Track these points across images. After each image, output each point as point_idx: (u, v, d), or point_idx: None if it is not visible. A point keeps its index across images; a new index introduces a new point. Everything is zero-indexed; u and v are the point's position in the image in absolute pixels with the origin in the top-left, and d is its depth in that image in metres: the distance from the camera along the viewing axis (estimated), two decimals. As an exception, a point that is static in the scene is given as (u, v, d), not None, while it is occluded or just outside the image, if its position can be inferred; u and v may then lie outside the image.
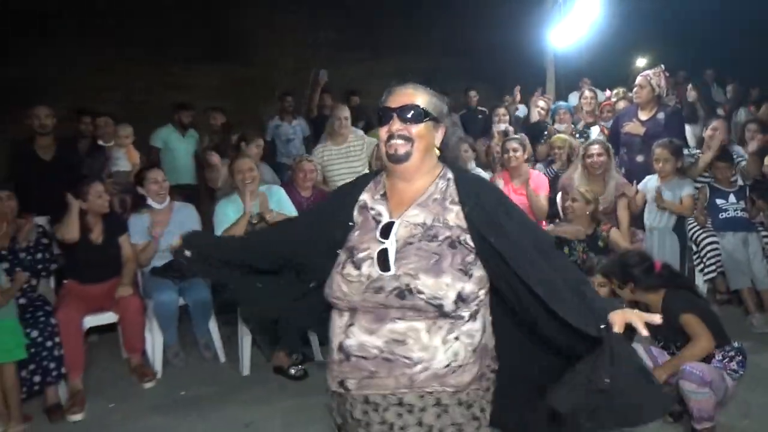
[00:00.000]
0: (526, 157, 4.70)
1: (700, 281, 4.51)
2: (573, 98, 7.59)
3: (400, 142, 1.58)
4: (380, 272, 1.50)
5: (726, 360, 2.96)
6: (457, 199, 1.59)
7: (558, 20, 7.65)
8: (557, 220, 4.57)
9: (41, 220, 4.09)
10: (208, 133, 6.26)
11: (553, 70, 8.25)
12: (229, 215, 3.90)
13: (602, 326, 1.42)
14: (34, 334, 3.47)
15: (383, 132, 1.61)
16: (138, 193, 4.26)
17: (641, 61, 10.72)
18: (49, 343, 3.51)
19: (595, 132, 5.88)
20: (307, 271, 1.74)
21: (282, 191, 4.16)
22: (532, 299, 1.49)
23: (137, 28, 8.54)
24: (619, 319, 1.43)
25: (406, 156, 1.58)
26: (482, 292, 1.57)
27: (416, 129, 1.59)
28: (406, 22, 10.09)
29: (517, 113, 7.20)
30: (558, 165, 5.11)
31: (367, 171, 4.38)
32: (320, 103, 7.05)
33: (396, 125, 1.58)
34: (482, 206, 1.56)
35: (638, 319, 1.43)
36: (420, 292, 1.47)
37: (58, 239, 3.88)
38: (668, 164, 4.37)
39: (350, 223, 1.64)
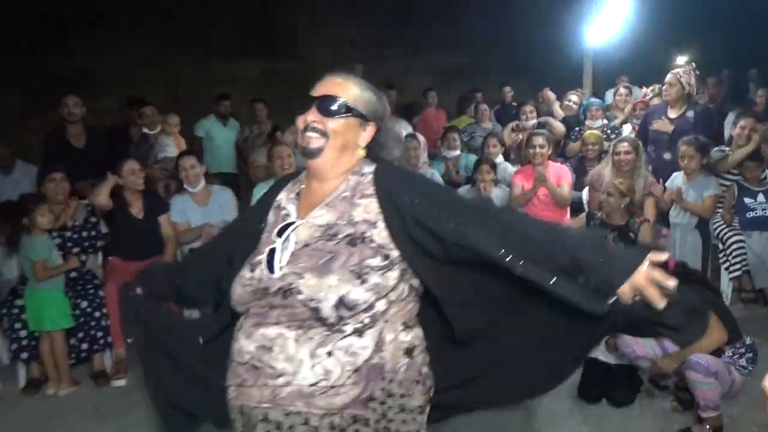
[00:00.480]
0: (550, 152, 4.78)
1: (726, 279, 4.51)
2: (610, 95, 7.57)
3: (313, 135, 1.44)
4: (267, 272, 1.39)
5: (736, 356, 3.04)
6: (369, 191, 1.44)
7: (595, 16, 7.62)
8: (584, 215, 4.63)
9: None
10: (252, 123, 6.55)
11: (591, 66, 8.22)
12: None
13: (609, 301, 1.26)
14: (84, 304, 3.78)
15: (300, 121, 1.46)
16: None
17: (681, 59, 10.53)
18: (97, 314, 3.81)
19: (627, 129, 5.90)
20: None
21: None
22: (497, 278, 1.36)
23: (183, 25, 8.90)
24: (628, 290, 1.24)
25: (318, 151, 1.44)
26: (380, 304, 1.37)
27: (333, 124, 1.43)
28: (444, 17, 10.18)
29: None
30: (590, 161, 5.16)
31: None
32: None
33: (311, 116, 1.44)
34: (410, 192, 1.40)
35: (651, 286, 1.22)
36: (299, 292, 1.33)
37: (98, 217, 4.12)
38: (693, 161, 4.39)
39: (261, 225, 1.51)
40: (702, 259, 4.37)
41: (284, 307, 1.35)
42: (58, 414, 3.49)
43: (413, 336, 1.45)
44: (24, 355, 3.71)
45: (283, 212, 1.50)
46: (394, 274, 1.39)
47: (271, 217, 1.52)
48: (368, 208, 1.42)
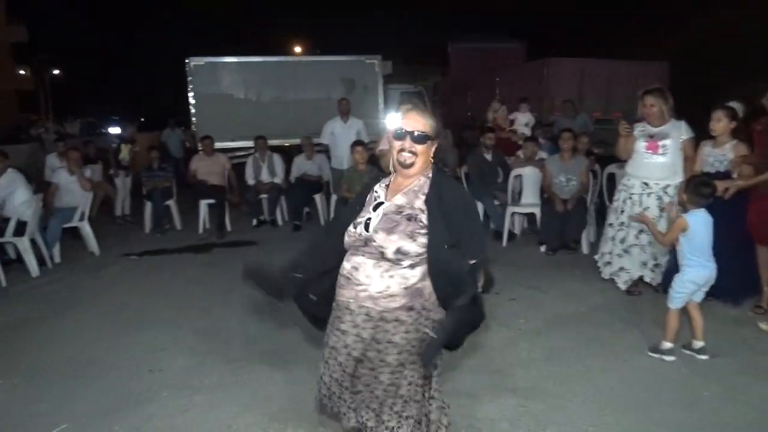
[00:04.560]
0: None
1: None
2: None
3: (408, 155, 2.32)
4: (364, 231, 2.28)
5: None
6: (426, 189, 2.33)
7: None
8: None
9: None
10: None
11: None
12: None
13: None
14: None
15: (397, 144, 2.34)
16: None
17: None
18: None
19: None
20: None
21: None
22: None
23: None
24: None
25: (411, 165, 2.33)
26: (424, 253, 2.26)
27: (420, 147, 2.33)
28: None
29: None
30: None
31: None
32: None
33: (407, 143, 2.32)
34: (440, 197, 2.28)
35: None
36: (374, 242, 2.26)
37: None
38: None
39: (365, 201, 2.40)
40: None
41: (367, 248, 2.28)
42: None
43: None
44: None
45: (375, 194, 2.41)
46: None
47: (368, 198, 2.42)
48: (422, 202, 2.30)
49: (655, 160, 4.93)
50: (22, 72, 33.21)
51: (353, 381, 2.36)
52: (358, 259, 2.29)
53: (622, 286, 5.18)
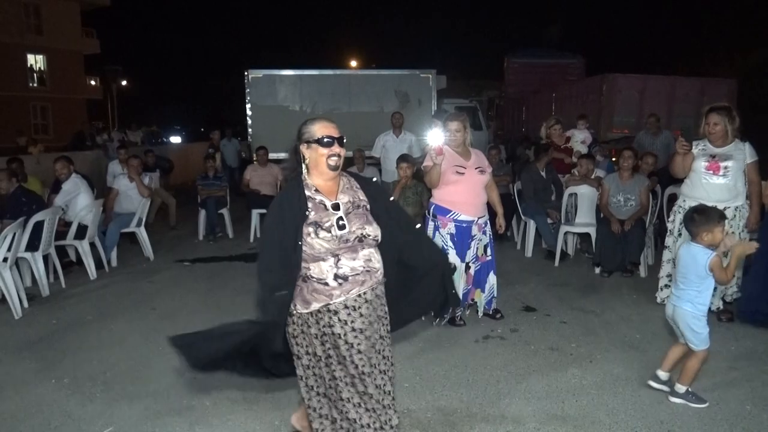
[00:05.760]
0: None
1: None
2: None
3: (337, 158, 2.51)
4: (339, 231, 2.43)
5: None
6: (358, 185, 2.63)
7: None
8: None
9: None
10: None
11: None
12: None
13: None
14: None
15: (326, 151, 2.49)
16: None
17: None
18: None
19: None
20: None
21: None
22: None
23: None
24: None
25: (338, 167, 2.54)
26: None
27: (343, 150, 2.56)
28: None
29: None
30: None
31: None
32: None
33: (337, 148, 2.51)
34: (372, 191, 2.65)
35: None
36: (368, 235, 2.48)
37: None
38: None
39: (306, 213, 2.45)
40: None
41: (363, 242, 2.48)
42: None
43: None
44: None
45: (312, 202, 2.49)
46: None
47: (310, 206, 2.48)
48: (362, 194, 2.63)
49: (716, 182, 4.68)
50: (92, 82, 34.96)
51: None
52: (365, 252, 2.49)
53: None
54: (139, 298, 5.87)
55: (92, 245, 6.75)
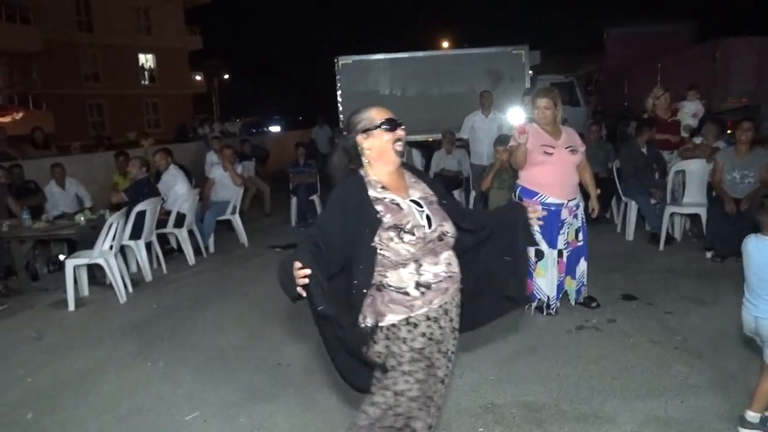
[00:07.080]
0: None
1: None
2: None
3: (402, 143, 2.23)
4: (427, 230, 2.13)
5: None
6: (417, 177, 2.33)
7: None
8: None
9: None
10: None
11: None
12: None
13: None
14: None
15: (391, 136, 2.20)
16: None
17: None
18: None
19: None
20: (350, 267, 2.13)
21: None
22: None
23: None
24: None
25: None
26: None
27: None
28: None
29: None
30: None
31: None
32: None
33: (400, 132, 2.23)
34: (430, 182, 2.34)
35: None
36: (447, 233, 2.19)
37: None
38: None
39: (379, 216, 2.10)
40: None
41: (442, 242, 2.17)
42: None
43: None
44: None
45: (386, 200, 2.17)
46: None
47: (380, 208, 2.13)
48: (426, 186, 2.32)
49: None
50: (197, 77, 36.93)
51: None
52: (445, 255, 2.20)
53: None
54: (232, 283, 6.07)
55: (191, 233, 7.06)
